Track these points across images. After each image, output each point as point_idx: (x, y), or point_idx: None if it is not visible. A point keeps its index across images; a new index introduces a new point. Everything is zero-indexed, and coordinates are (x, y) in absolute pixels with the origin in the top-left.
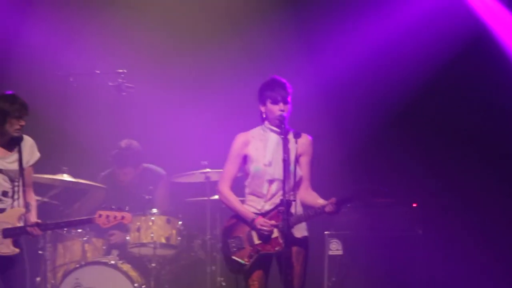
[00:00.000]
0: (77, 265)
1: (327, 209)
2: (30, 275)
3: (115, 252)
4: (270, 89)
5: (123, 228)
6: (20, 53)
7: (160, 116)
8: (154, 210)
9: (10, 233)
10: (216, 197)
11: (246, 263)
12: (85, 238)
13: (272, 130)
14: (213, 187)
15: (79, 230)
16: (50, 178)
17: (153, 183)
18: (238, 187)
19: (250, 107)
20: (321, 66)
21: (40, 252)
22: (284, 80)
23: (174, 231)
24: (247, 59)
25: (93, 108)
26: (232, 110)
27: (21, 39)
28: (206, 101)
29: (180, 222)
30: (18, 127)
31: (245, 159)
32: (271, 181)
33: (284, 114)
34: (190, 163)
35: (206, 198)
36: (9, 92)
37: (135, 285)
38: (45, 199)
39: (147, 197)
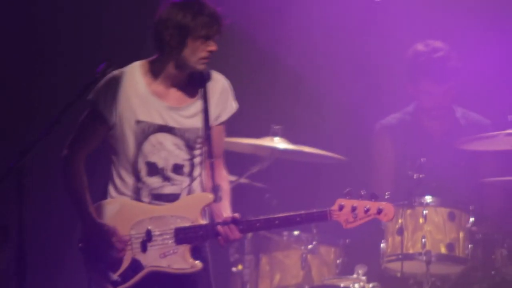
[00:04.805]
0: None
1: None
2: None
3: (360, 269)
4: None
5: None
6: None
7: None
8: (428, 199)
9: (188, 235)
10: None
11: None
12: (309, 246)
13: None
14: None
15: (297, 233)
16: (253, 145)
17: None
18: None
19: None
20: None
21: (233, 269)
22: None
23: (461, 234)
24: None
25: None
26: None
27: None
28: None
29: (472, 219)
30: (204, 54)
31: None
32: None
33: None
34: (492, 118)
35: None
36: None
37: None
38: (245, 180)
39: (415, 175)
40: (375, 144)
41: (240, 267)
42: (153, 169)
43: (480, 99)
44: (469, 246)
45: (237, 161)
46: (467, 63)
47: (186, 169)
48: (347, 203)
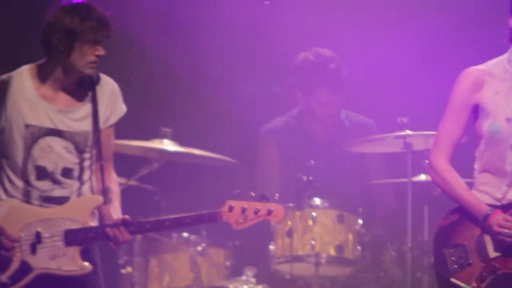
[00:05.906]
0: None
1: None
2: None
3: (249, 271)
4: None
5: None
6: None
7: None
8: (317, 201)
9: (77, 237)
10: (424, 177)
11: None
12: (198, 248)
13: None
14: (418, 160)
15: (186, 235)
16: (142, 148)
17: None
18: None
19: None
20: None
21: (122, 271)
22: None
23: (350, 236)
24: None
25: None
26: (446, 39)
27: None
28: (405, 31)
29: (360, 221)
30: (92, 58)
31: (475, 112)
32: None
33: None
34: (380, 120)
35: (406, 180)
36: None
37: None
38: (134, 182)
39: (304, 177)
40: (261, 147)
41: (129, 269)
42: (42, 173)
43: (367, 101)
44: (358, 248)
45: (126, 164)
46: (354, 65)
47: (76, 173)
48: (237, 204)
